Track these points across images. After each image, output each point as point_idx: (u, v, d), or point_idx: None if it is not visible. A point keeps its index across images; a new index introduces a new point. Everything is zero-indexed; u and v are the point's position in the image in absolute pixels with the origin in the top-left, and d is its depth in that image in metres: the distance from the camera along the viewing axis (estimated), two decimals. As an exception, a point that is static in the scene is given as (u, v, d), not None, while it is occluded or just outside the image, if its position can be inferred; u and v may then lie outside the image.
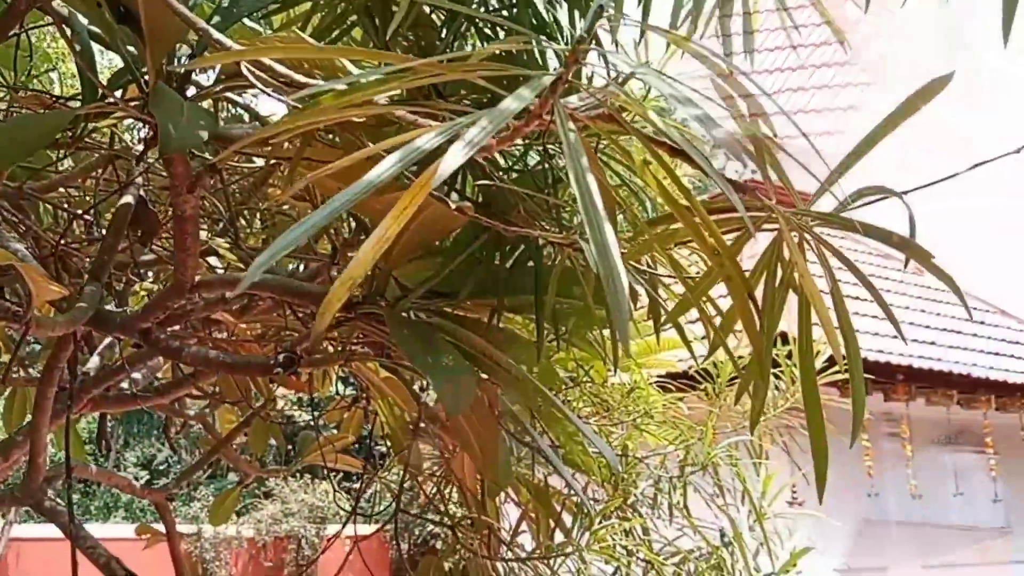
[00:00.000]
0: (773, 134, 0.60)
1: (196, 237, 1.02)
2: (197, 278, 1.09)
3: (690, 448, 1.54)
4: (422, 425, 1.62)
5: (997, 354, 10.05)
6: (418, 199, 0.54)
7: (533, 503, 1.50)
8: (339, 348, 1.35)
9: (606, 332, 1.90)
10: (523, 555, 1.27)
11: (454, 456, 1.74)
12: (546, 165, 1.04)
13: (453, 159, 0.52)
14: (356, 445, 2.87)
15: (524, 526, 1.57)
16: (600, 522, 1.24)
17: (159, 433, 23.83)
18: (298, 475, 23.11)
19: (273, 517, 20.76)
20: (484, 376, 1.03)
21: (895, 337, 9.07)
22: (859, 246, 12.82)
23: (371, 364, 1.53)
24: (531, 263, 1.07)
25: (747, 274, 0.72)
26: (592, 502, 1.48)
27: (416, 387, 1.62)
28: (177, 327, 1.42)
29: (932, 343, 9.49)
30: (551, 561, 1.41)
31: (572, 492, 1.46)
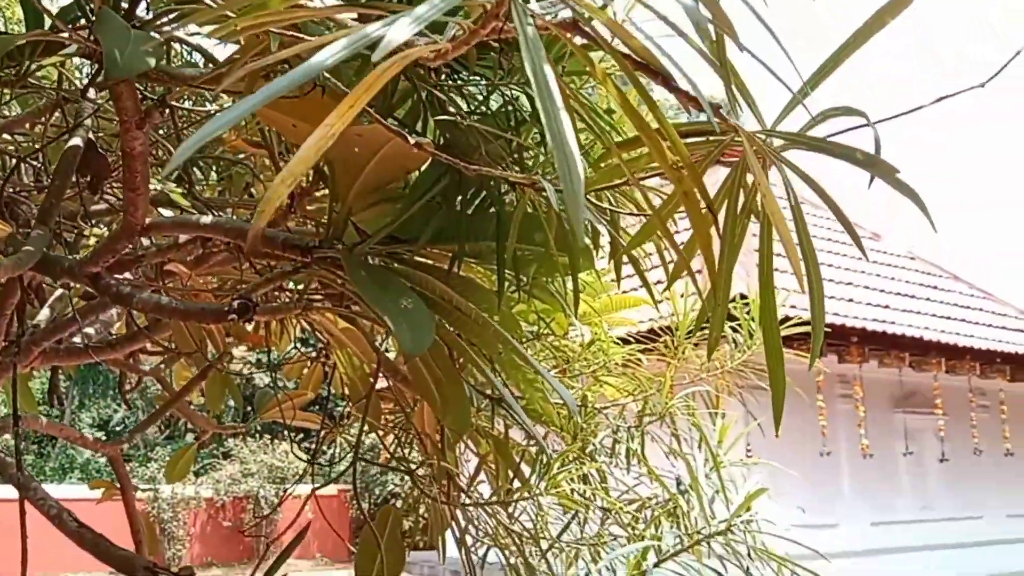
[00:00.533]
0: (739, 47, 0.59)
1: (146, 177, 0.98)
2: (148, 220, 1.06)
3: (648, 399, 1.55)
4: (381, 377, 1.61)
5: (948, 318, 10.30)
6: (368, 94, 0.52)
7: (493, 454, 1.50)
8: (296, 298, 1.33)
9: (569, 288, 1.90)
10: (481, 502, 1.27)
11: (414, 411, 1.73)
12: (509, 108, 1.03)
13: (400, 31, 0.50)
14: (316, 405, 2.85)
15: (484, 477, 1.57)
16: (558, 469, 1.24)
17: (115, 394, 23.52)
18: (257, 435, 23.01)
19: (232, 477, 20.71)
20: (444, 322, 1.02)
21: (850, 301, 9.26)
22: (818, 211, 13.00)
23: (329, 315, 1.51)
24: (493, 209, 1.06)
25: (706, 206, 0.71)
26: (552, 453, 1.48)
27: (377, 342, 1.60)
28: (128, 275, 1.39)
29: (886, 307, 9.68)
30: (510, 508, 1.42)
31: (532, 442, 1.46)
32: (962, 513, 10.54)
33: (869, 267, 11.19)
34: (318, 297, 1.41)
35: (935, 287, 11.63)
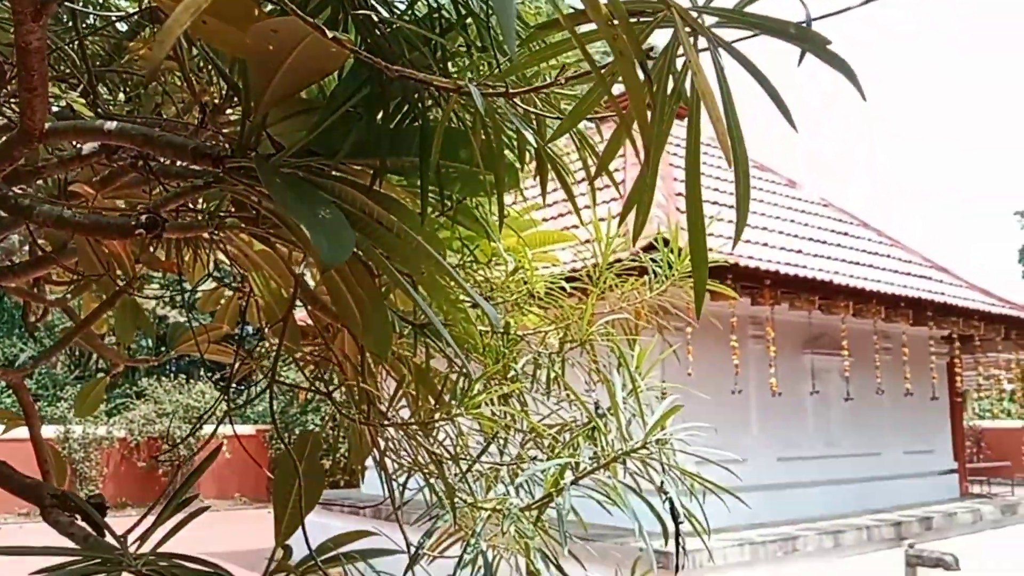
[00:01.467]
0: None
1: (43, 76, 0.92)
2: (47, 125, 0.99)
3: (569, 327, 1.56)
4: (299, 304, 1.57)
5: (857, 263, 10.68)
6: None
7: (414, 382, 1.49)
8: (209, 216, 1.28)
9: (495, 216, 1.88)
10: (401, 422, 1.27)
11: (334, 338, 1.70)
12: (435, 16, 0.99)
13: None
14: (233, 340, 2.78)
15: (406, 405, 1.57)
16: (478, 390, 1.24)
17: (21, 332, 22.61)
18: (172, 375, 22.52)
19: (146, 418, 20.29)
20: (364, 238, 0.99)
21: (765, 245, 9.50)
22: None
23: (245, 237, 1.47)
24: (417, 124, 1.03)
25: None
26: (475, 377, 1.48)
27: (297, 271, 1.56)
28: (28, 188, 1.31)
29: (799, 252, 9.97)
30: (430, 431, 1.41)
31: (453, 370, 1.45)
32: (863, 450, 11.10)
33: (784, 213, 11.48)
34: (233, 218, 1.36)
35: (846, 233, 12.02)
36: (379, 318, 1.01)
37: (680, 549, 1.25)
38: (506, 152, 1.06)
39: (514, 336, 1.52)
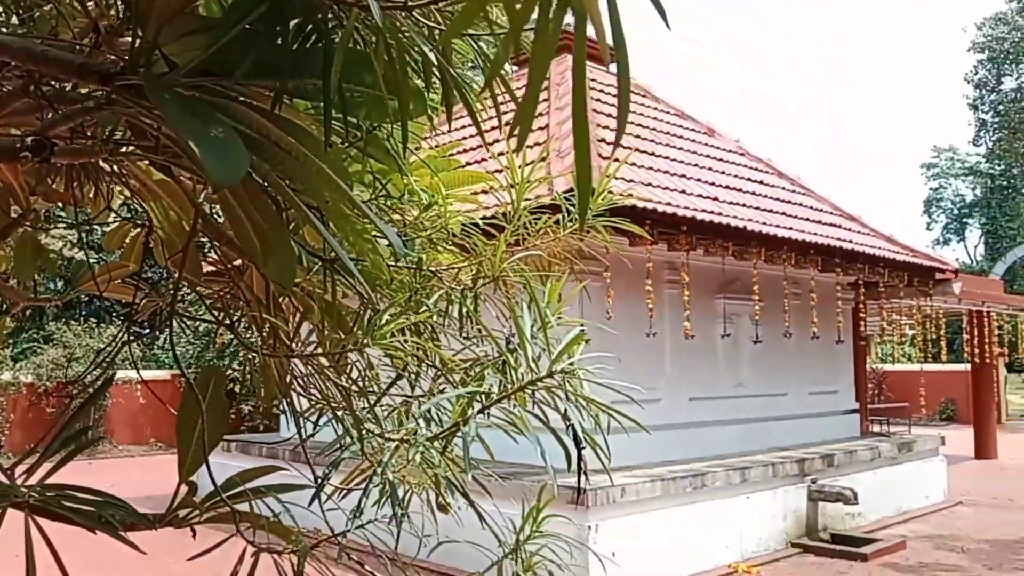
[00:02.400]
0: None
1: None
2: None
3: (483, 263, 1.56)
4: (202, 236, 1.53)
5: (771, 211, 10.95)
6: None
7: (323, 316, 1.47)
8: (103, 140, 1.22)
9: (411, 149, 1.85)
10: (307, 353, 1.25)
11: (241, 275, 1.66)
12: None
13: None
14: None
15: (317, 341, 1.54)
16: (387, 319, 1.23)
17: (-88, 274, 21.45)
18: (82, 318, 21.76)
19: (55, 362, 19.62)
20: (264, 163, 0.96)
21: (683, 192, 9.64)
22: (659, 104, 13.32)
23: (142, 164, 1.41)
24: (320, 45, 0.99)
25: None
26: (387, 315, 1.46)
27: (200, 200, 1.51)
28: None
29: (715, 199, 10.16)
30: (338, 363, 1.40)
31: (366, 306, 1.43)
32: (771, 390, 11.54)
33: (703, 160, 11.66)
34: (131, 145, 1.30)
35: (761, 182, 12.29)
36: (281, 246, 0.99)
37: (583, 475, 1.28)
38: (414, 78, 1.03)
39: (426, 272, 1.51)
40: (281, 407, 1.51)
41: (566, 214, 1.77)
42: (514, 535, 1.55)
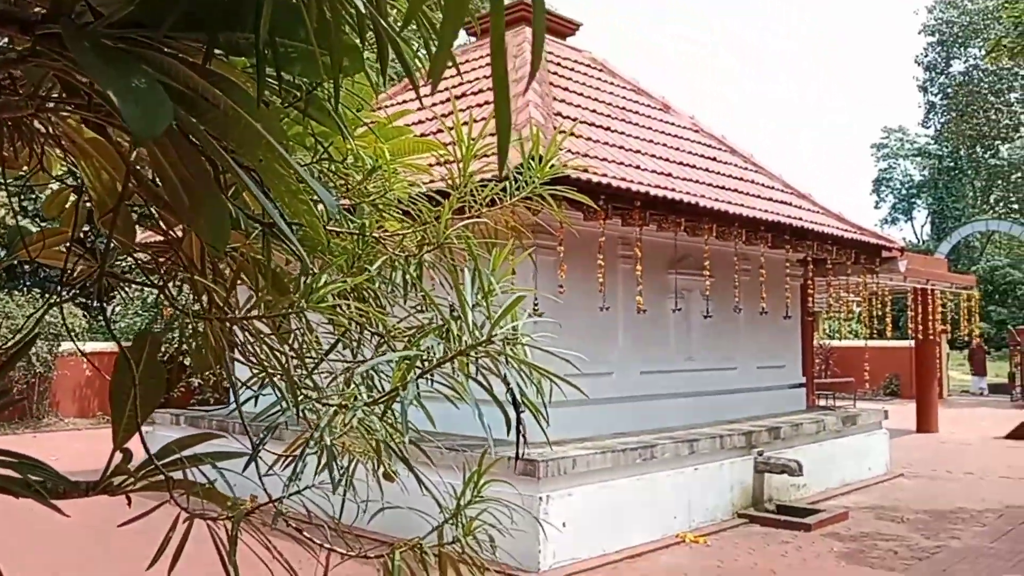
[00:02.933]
0: None
1: None
2: None
3: (428, 229, 1.54)
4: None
5: (723, 188, 11.05)
6: None
7: (260, 279, 1.44)
8: (29, 95, 1.17)
9: (353, 114, 1.82)
10: (240, 316, 1.22)
11: (181, 242, 1.62)
12: None
13: None
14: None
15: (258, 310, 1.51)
16: (324, 282, 1.21)
17: None
18: (25, 289, 21.21)
19: (-6, 332, 19.06)
20: (194, 120, 0.93)
21: (637, 167, 9.67)
22: (615, 79, 13.31)
23: (73, 122, 1.36)
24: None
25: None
26: (327, 280, 1.44)
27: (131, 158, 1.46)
28: None
29: (669, 175, 10.22)
30: (279, 329, 1.38)
31: (301, 270, 1.40)
32: (720, 364, 11.72)
33: (657, 136, 11.71)
34: (61, 102, 1.25)
35: (714, 159, 12.39)
36: (211, 203, 0.96)
37: (522, 438, 1.28)
38: (350, 35, 1.01)
39: (370, 238, 1.49)
40: (230, 379, 1.48)
41: (512, 183, 1.76)
42: (467, 504, 1.55)
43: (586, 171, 8.29)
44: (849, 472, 12.09)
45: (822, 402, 15.38)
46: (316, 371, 1.46)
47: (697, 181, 10.64)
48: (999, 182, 37.59)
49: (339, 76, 0.96)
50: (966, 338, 20.04)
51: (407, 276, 1.50)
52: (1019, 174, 36.10)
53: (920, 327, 17.59)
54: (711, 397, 11.31)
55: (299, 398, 1.24)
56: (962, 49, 40.58)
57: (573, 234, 7.80)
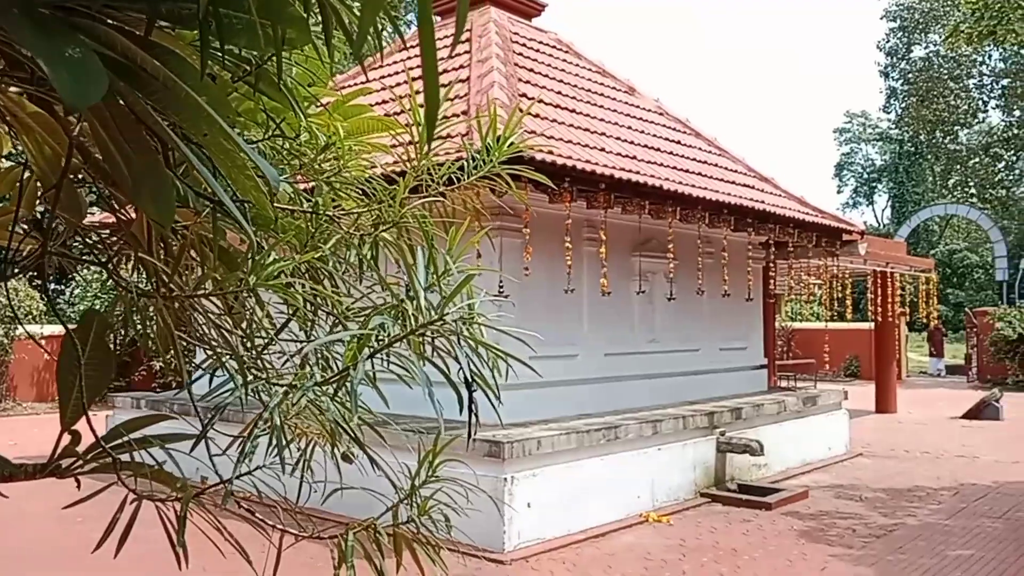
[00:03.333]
0: None
1: None
2: None
3: (383, 208, 1.52)
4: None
5: (687, 171, 11.11)
6: None
7: (213, 265, 1.42)
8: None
9: (306, 91, 1.79)
10: (188, 295, 1.20)
11: (132, 223, 1.59)
12: None
13: None
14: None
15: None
16: (273, 260, 1.19)
17: None
18: (-23, 272, 20.61)
19: (-53, 316, 18.64)
20: (135, 92, 0.91)
21: (602, 150, 9.68)
22: (581, 61, 13.29)
23: (15, 96, 1.32)
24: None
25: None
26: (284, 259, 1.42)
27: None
28: None
29: (633, 157, 10.24)
30: (231, 311, 1.36)
31: (250, 248, 1.37)
32: (684, 346, 11.82)
33: (622, 119, 11.72)
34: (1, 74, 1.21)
35: (679, 142, 12.44)
36: (155, 180, 0.94)
37: (474, 418, 1.27)
38: (297, 5, 0.99)
39: (323, 216, 1.47)
40: (191, 363, 1.46)
41: (469, 163, 1.75)
42: (422, 484, 1.54)
43: (551, 153, 8.28)
44: (809, 452, 12.29)
45: (784, 383, 15.60)
46: (271, 352, 1.45)
47: (662, 164, 10.69)
48: (957, 167, 38.24)
49: (283, 49, 0.94)
50: (925, 320, 20.41)
51: (360, 256, 1.48)
52: (977, 159, 36.73)
53: (880, 309, 17.88)
54: (675, 378, 11.42)
55: (248, 379, 1.23)
56: (923, 35, 41.08)
57: (539, 217, 7.79)
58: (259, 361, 1.35)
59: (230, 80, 1.33)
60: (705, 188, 10.54)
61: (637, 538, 8.20)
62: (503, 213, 8.62)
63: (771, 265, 13.49)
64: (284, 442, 1.12)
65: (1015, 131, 35.46)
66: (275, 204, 1.58)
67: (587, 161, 8.83)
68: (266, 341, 1.29)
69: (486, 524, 7.60)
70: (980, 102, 38.55)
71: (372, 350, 1.17)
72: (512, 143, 1.78)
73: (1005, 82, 36.21)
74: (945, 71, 37.39)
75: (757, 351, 13.65)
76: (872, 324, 19.27)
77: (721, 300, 11.49)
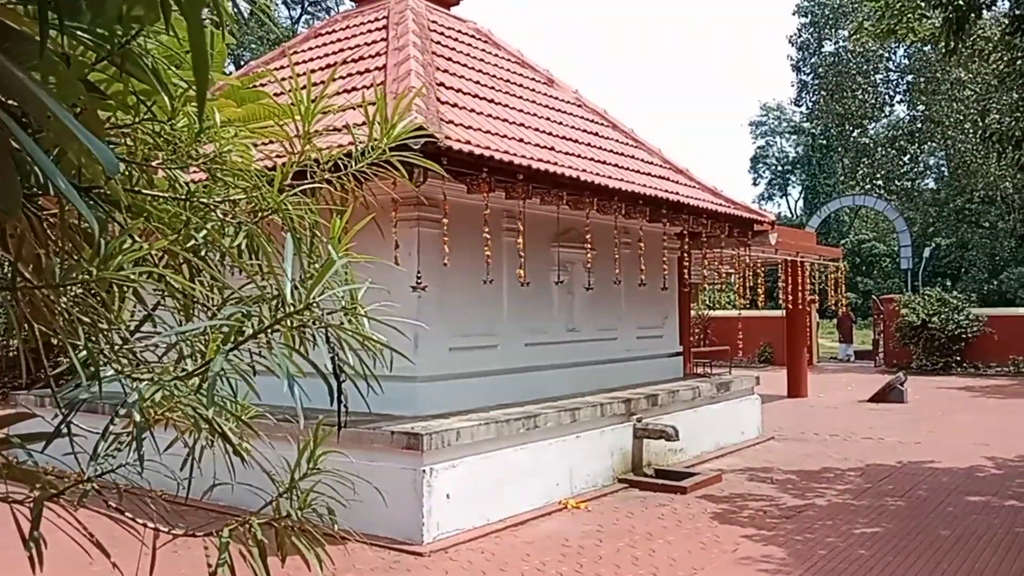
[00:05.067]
0: None
1: None
2: None
3: (263, 195, 1.48)
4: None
5: (604, 162, 11.22)
6: None
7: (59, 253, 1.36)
8: None
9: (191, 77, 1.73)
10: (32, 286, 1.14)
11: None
12: None
13: None
14: None
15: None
16: (122, 248, 1.14)
17: None
18: None
19: None
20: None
21: (520, 141, 9.69)
22: (500, 51, 13.27)
23: None
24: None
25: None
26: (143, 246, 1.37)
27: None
28: None
29: (552, 148, 10.29)
30: (104, 305, 1.30)
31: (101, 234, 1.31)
32: (602, 335, 11.97)
33: (540, 110, 11.76)
34: None
35: (596, 133, 12.56)
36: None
37: (343, 408, 1.25)
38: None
39: (198, 203, 1.42)
40: (40, 354, 1.39)
41: (364, 151, 1.72)
42: (302, 477, 1.51)
43: (468, 143, 8.25)
44: (723, 436, 12.61)
45: (700, 370, 15.95)
46: (146, 345, 1.40)
47: (580, 156, 10.77)
48: (865, 159, 39.65)
49: (131, 27, 0.90)
50: (834, 308, 21.14)
51: (236, 245, 1.44)
52: (883, 152, 38.14)
53: (790, 297, 18.43)
54: (593, 367, 11.56)
55: (110, 373, 1.18)
56: (833, 31, 42.37)
57: (459, 207, 7.75)
58: (130, 354, 1.30)
59: (93, 59, 1.28)
60: (622, 180, 10.66)
61: (556, 525, 8.28)
62: (421, 203, 8.55)
63: (686, 255, 13.75)
64: (142, 436, 1.08)
65: (919, 125, 36.96)
66: (151, 192, 1.53)
67: (505, 152, 8.83)
68: (130, 333, 1.25)
69: (405, 516, 7.57)
70: (887, 96, 40.02)
71: (235, 342, 1.13)
72: (401, 130, 1.76)
73: (910, 78, 37.67)
74: (854, 66, 38.66)
75: (673, 339, 13.91)
76: (784, 312, 19.86)
77: (638, 289, 11.66)
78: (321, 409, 1.46)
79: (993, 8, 11.77)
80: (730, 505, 9.05)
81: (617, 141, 12.97)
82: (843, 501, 9.19)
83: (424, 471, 7.60)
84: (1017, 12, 10.53)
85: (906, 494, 9.53)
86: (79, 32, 1.07)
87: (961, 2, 10.16)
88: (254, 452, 1.53)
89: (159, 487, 1.46)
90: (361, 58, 10.72)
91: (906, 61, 37.89)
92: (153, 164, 1.45)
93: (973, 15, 10.39)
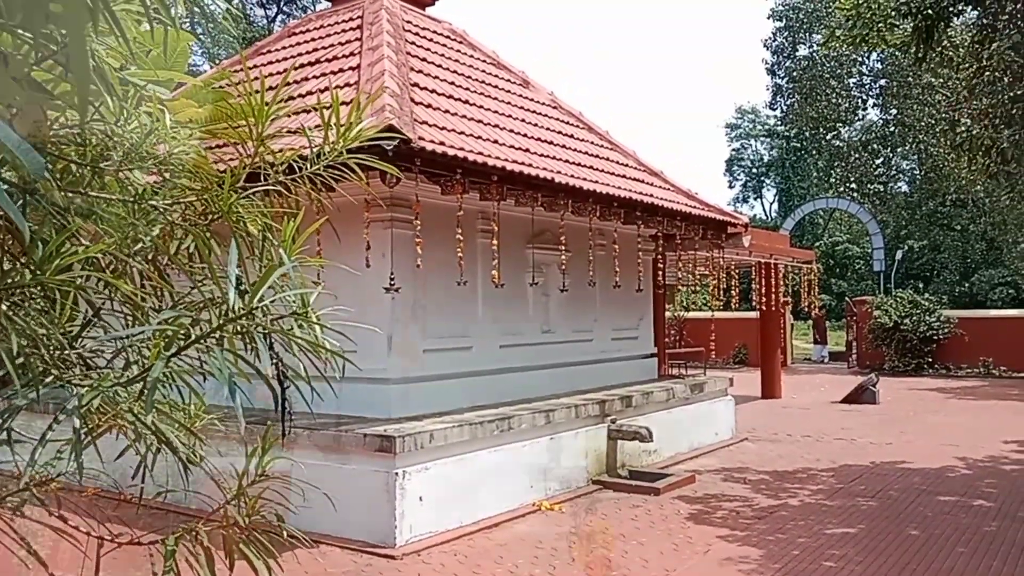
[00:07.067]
0: None
1: None
2: None
3: (214, 196, 1.46)
4: None
5: (579, 164, 11.24)
6: None
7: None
8: None
9: (132, 72, 1.70)
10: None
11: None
12: None
13: None
14: None
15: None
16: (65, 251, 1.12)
17: None
18: None
19: None
20: None
21: (495, 142, 9.68)
22: (475, 52, 13.26)
23: None
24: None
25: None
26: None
27: None
28: None
29: (527, 150, 10.29)
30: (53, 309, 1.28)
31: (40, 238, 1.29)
32: (576, 336, 11.98)
33: (516, 112, 11.76)
34: None
35: (571, 135, 12.58)
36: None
37: (287, 413, 1.24)
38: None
39: (144, 205, 1.40)
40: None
41: (319, 154, 1.70)
42: (251, 483, 1.49)
43: (442, 144, 8.23)
44: (697, 437, 12.67)
45: (675, 371, 16.00)
46: (87, 350, 1.37)
47: (554, 157, 10.77)
48: (839, 163, 39.97)
49: (46, 23, 0.88)
50: (807, 309, 21.31)
51: (185, 247, 1.42)
52: (857, 155, 38.47)
53: (764, 299, 18.55)
54: (568, 368, 11.56)
55: (49, 378, 1.16)
56: (807, 35, 42.68)
57: (434, 209, 7.71)
58: (75, 358, 1.27)
59: (36, 59, 1.25)
60: (596, 181, 10.68)
61: (529, 527, 8.27)
62: (395, 205, 8.52)
63: (660, 257, 13.80)
64: (81, 444, 1.05)
65: (891, 129, 37.32)
66: (99, 194, 1.50)
67: (479, 153, 8.81)
68: (72, 338, 1.22)
69: (378, 519, 7.53)
70: (860, 100, 40.35)
71: (178, 347, 1.11)
72: (361, 131, 1.74)
73: (883, 82, 38.04)
74: (828, 70, 38.96)
75: (648, 340, 13.95)
76: (758, 313, 19.98)
77: (613, 291, 11.69)
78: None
79: (963, 15, 11.92)
80: (704, 506, 9.08)
81: (592, 143, 13.00)
82: (816, 501, 9.26)
83: (397, 474, 7.57)
84: (984, 22, 10.68)
85: (878, 494, 9.61)
86: (18, 31, 1.05)
87: (930, 11, 10.28)
88: (210, 457, 1.51)
89: (111, 488, 1.44)
90: (335, 58, 10.66)
91: (879, 66, 38.27)
92: (102, 165, 1.43)
93: (942, 24, 10.52)
